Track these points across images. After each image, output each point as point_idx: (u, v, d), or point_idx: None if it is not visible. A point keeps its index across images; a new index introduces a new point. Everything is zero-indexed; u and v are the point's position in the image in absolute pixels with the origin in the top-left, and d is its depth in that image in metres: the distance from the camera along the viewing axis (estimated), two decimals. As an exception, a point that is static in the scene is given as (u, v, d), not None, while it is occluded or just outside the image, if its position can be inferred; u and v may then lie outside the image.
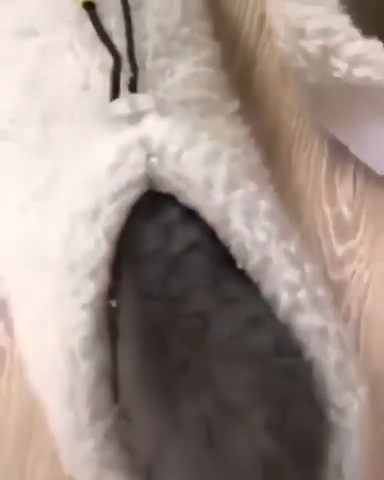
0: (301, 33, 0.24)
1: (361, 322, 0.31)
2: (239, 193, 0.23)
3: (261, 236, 0.23)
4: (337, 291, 0.31)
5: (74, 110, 0.25)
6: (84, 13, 0.25)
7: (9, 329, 0.30)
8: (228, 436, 0.23)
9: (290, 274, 0.23)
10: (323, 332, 0.23)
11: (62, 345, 0.22)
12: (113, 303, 0.22)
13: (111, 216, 0.22)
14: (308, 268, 0.24)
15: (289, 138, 0.32)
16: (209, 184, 0.23)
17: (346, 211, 0.32)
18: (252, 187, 0.23)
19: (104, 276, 0.22)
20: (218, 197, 0.23)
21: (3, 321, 0.31)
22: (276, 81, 0.32)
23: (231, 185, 0.23)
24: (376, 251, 0.31)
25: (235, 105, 0.28)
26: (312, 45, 0.24)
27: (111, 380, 0.22)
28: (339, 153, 0.31)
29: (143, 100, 0.24)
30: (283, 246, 0.23)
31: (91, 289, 0.22)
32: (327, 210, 0.32)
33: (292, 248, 0.23)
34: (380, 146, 0.29)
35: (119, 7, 0.25)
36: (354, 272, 0.31)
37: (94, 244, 0.22)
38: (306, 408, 0.23)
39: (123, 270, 0.23)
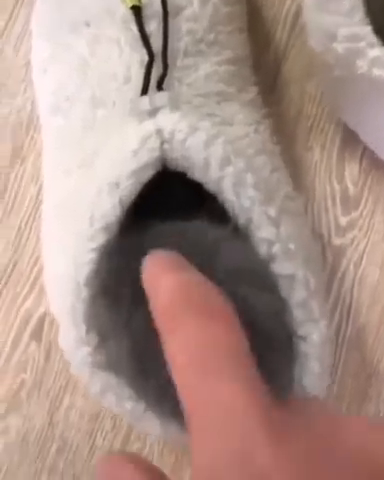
0: (333, 37, 0.27)
1: (355, 281, 0.34)
2: (230, 169, 0.26)
3: (246, 202, 0.26)
4: (338, 254, 0.34)
5: (116, 98, 0.28)
6: (130, 15, 0.28)
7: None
8: None
9: (267, 232, 0.26)
10: (291, 277, 0.26)
11: (72, 276, 0.26)
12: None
13: (127, 188, 0.25)
14: (283, 227, 0.26)
15: (309, 122, 0.35)
16: (207, 163, 0.26)
17: (351, 187, 0.35)
18: (241, 163, 0.26)
19: (113, 231, 0.25)
20: (214, 173, 0.26)
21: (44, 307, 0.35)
22: (302, 73, 0.35)
23: (224, 163, 0.26)
24: (373, 223, 0.34)
25: (251, 94, 0.31)
26: (341, 47, 0.27)
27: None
28: (350, 138, 0.34)
29: (159, 98, 0.27)
30: (264, 209, 0.26)
31: (101, 239, 0.25)
32: (335, 185, 0.35)
33: (272, 212, 0.26)
34: (381, 133, 0.31)
35: (160, 13, 0.28)
36: (353, 239, 0.34)
37: (111, 207, 0.25)
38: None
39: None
